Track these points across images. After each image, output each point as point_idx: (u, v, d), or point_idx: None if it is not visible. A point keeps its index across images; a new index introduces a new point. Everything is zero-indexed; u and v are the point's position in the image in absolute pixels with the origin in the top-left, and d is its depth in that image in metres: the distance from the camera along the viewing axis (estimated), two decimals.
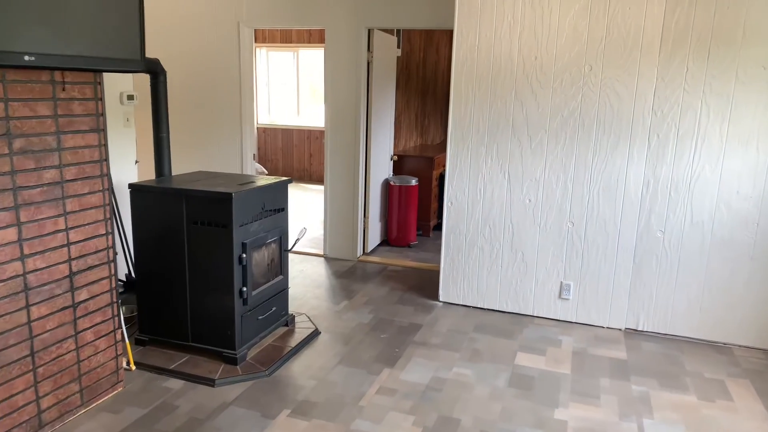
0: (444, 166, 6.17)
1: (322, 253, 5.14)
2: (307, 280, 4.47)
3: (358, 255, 5.04)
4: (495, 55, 3.65)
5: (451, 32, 7.66)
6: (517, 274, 3.84)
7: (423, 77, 6.92)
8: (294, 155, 9.28)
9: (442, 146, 6.82)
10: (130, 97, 3.69)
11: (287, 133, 9.24)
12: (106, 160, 2.56)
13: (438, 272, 4.68)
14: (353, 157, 4.85)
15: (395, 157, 5.63)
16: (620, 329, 3.67)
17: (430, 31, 7.05)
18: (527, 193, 3.72)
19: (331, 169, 4.96)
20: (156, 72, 3.14)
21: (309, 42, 8.83)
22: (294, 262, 4.90)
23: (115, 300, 2.70)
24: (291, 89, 9.22)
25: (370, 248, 5.19)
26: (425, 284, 4.44)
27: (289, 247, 3.43)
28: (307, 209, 7.10)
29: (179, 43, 5.16)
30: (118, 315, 2.74)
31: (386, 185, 5.54)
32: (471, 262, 3.93)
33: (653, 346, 3.44)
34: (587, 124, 3.52)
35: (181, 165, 5.46)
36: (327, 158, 4.96)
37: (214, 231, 2.94)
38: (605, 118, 3.48)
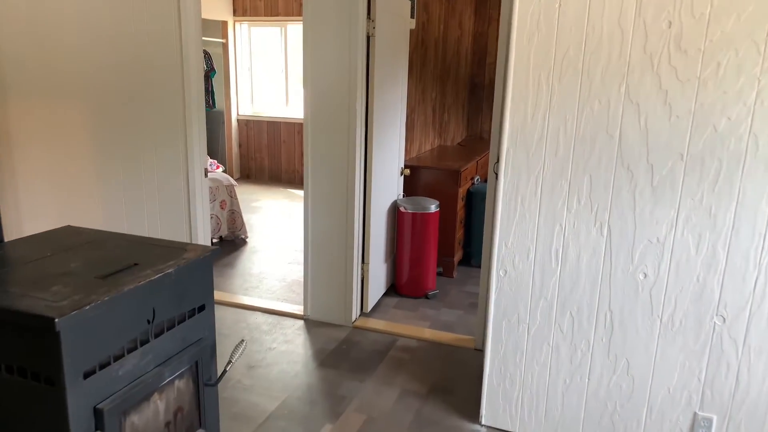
0: (473, 178, 4.57)
1: (301, 312, 3.59)
2: (271, 372, 2.92)
3: (354, 317, 3.48)
4: (591, 21, 2.05)
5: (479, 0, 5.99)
6: (617, 394, 2.28)
7: (443, 58, 5.29)
8: (282, 153, 7.69)
9: (467, 151, 5.22)
10: None
11: (274, 126, 7.65)
12: None
13: (472, 350, 3.12)
14: (346, 170, 3.28)
15: (407, 171, 4.04)
16: None
17: None
18: (641, 262, 2.15)
19: (313, 189, 3.39)
20: None
21: (300, 15, 7.18)
22: (258, 332, 3.35)
23: None
24: (278, 73, 7.59)
25: (370, 305, 3.64)
26: (455, 379, 2.88)
27: (216, 379, 1.86)
28: (292, 227, 5.54)
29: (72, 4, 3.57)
30: None
31: (394, 211, 3.97)
32: (536, 368, 2.37)
33: None
34: (765, 144, 1.92)
35: (94, 188, 3.91)
36: (307, 171, 3.38)
37: (30, 388, 1.39)
38: None
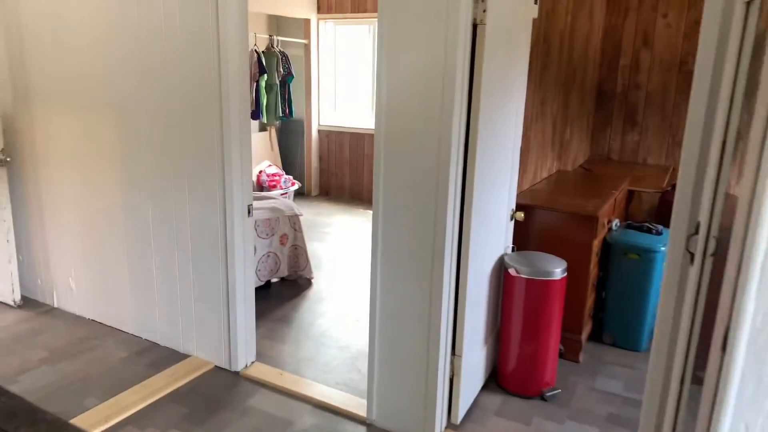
0: (609, 221, 3.30)
1: (364, 413, 2.56)
2: None
3: (439, 430, 2.40)
4: None
5: None
6: None
7: (568, 59, 4.07)
8: (365, 169, 6.76)
9: (596, 179, 3.95)
10: None
11: (357, 138, 6.74)
12: None
13: None
14: (433, 213, 2.22)
15: (520, 215, 2.88)
16: None
17: None
18: None
19: (384, 240, 2.36)
20: None
21: None
22: None
23: None
24: (364, 78, 6.67)
25: (461, 414, 2.53)
26: None
27: None
28: (368, 262, 4.57)
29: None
30: None
31: (500, 272, 2.84)
32: None
33: None
34: None
35: (119, 221, 3.14)
36: (377, 213, 2.35)
37: None
38: None
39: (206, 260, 2.88)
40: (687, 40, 4.76)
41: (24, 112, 3.40)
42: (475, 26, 2.13)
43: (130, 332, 3.30)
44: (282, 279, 4.15)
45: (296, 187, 6.28)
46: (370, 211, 6.68)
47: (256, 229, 3.69)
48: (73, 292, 3.50)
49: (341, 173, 6.93)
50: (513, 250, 2.99)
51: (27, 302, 3.67)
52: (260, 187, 6.01)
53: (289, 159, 7.07)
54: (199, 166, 2.79)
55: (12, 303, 3.59)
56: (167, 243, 3.00)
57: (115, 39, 2.90)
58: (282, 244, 3.92)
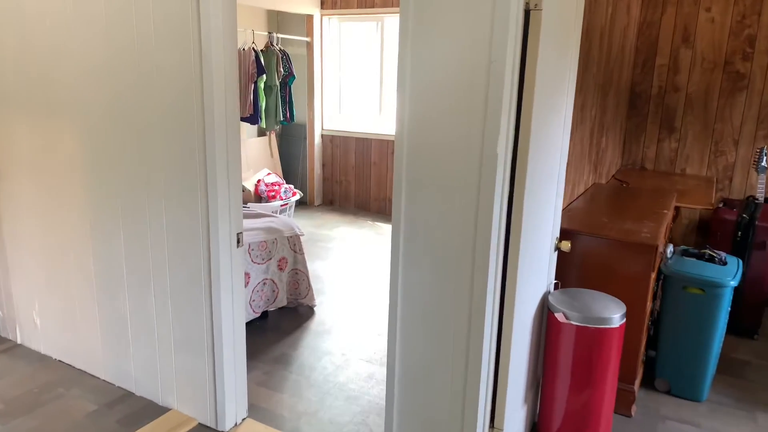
0: (660, 248, 2.76)
1: None
2: None
3: None
4: None
5: None
6: None
7: (607, 57, 3.58)
8: (371, 177, 6.27)
9: (636, 194, 3.45)
10: None
11: (363, 143, 6.25)
12: None
13: None
14: (470, 246, 1.73)
15: (566, 244, 2.38)
16: None
17: None
18: None
19: (406, 282, 1.87)
20: None
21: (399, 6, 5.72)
22: None
23: None
24: (371, 78, 6.18)
25: None
26: None
27: None
28: (377, 282, 4.06)
29: None
30: None
31: (541, 314, 2.35)
32: None
33: None
34: None
35: (87, 244, 2.67)
36: (397, 247, 1.87)
37: None
38: None
39: (187, 299, 2.39)
40: (733, 37, 4.25)
41: None
42: (527, 12, 1.64)
43: (101, 377, 2.81)
44: (280, 308, 3.66)
45: (297, 197, 5.79)
46: (378, 223, 6.22)
47: (249, 254, 3.21)
48: (38, 327, 3.02)
49: (346, 181, 6.44)
50: (557, 287, 2.49)
51: None
52: (258, 197, 5.53)
53: (290, 166, 6.58)
54: (176, 185, 2.30)
55: None
56: (142, 277, 2.51)
57: (80, 34, 2.42)
58: (280, 269, 3.43)
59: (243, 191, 5.55)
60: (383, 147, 6.11)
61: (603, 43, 3.38)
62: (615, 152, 4.48)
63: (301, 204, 6.36)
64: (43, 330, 3.01)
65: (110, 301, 2.67)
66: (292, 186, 5.82)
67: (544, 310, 2.35)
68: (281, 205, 5.54)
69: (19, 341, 3.15)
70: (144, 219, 2.43)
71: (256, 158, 5.99)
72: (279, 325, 3.46)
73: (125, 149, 2.41)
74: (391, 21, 5.93)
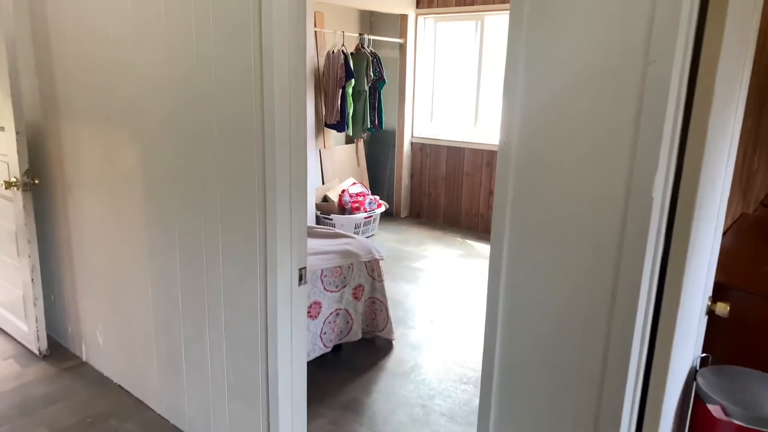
0: None
1: None
2: None
3: None
4: None
5: None
6: None
7: (764, 60, 2.85)
8: (463, 189, 5.77)
9: None
10: None
11: (456, 153, 5.76)
12: None
13: None
14: (606, 306, 1.22)
15: (724, 307, 1.77)
16: None
17: None
18: None
19: (507, 348, 1.38)
20: None
21: (503, 1, 5.19)
22: None
23: None
24: (469, 80, 5.69)
25: None
26: None
27: None
28: (466, 310, 3.58)
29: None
30: None
31: (685, 399, 1.76)
32: None
33: None
34: None
35: (145, 271, 2.44)
36: (496, 299, 1.39)
37: None
38: None
39: (241, 339, 2.06)
40: None
41: (52, 125, 2.79)
42: None
43: (157, 411, 2.57)
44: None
45: (382, 209, 5.43)
46: (469, 241, 5.64)
47: (322, 281, 2.85)
48: (101, 347, 2.86)
49: (435, 192, 5.98)
50: (705, 363, 1.88)
51: (56, 350, 3.08)
52: (342, 208, 5.22)
53: (377, 175, 6.24)
54: (233, 211, 1.98)
55: (37, 352, 3.01)
56: (197, 307, 2.23)
57: (138, 41, 2.17)
58: (356, 298, 3.05)
59: (327, 202, 5.27)
60: (477, 157, 5.59)
61: (766, 41, 2.68)
62: (764, 173, 3.67)
63: (386, 215, 6.00)
64: (105, 350, 2.84)
65: (166, 330, 2.41)
66: (377, 197, 5.47)
67: (690, 393, 1.77)
68: (365, 218, 5.20)
69: (84, 358, 3.01)
70: (200, 243, 2.14)
71: (342, 167, 5.70)
72: (353, 360, 3.09)
73: (182, 167, 2.13)
74: (492, 20, 5.40)
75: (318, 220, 5.19)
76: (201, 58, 1.95)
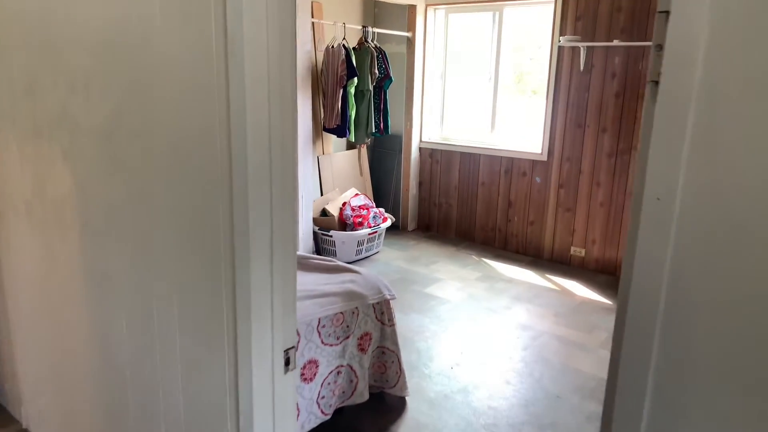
0: None
1: None
2: None
3: None
4: None
5: None
6: None
7: None
8: (478, 200, 5.18)
9: None
10: None
11: (470, 159, 5.17)
12: None
13: None
14: None
15: None
16: None
17: None
18: None
19: None
20: None
21: None
22: None
23: None
24: (484, 78, 5.09)
25: None
26: None
27: None
28: (493, 354, 3.00)
29: None
30: None
31: None
32: None
33: None
34: None
35: (84, 325, 1.84)
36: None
37: None
38: None
39: None
40: None
41: None
42: None
43: None
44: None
45: (388, 223, 4.84)
46: (485, 260, 4.98)
47: (319, 332, 2.26)
48: (43, 415, 2.27)
49: (447, 203, 5.39)
50: None
51: None
52: (343, 223, 4.63)
53: (382, 184, 5.65)
54: (188, 270, 1.39)
55: None
56: (150, 401, 1.63)
57: (67, 18, 1.57)
58: (361, 350, 2.46)
59: (327, 216, 4.68)
60: (495, 164, 5.00)
61: None
62: None
63: (391, 229, 5.40)
64: (50, 424, 2.25)
65: (113, 422, 1.82)
66: (382, 210, 4.88)
67: None
68: (369, 234, 4.61)
69: (24, 426, 2.42)
70: (150, 309, 1.54)
71: (343, 176, 5.11)
72: (357, 426, 2.50)
73: (121, 202, 1.54)
74: (513, 11, 4.80)
75: (316, 237, 4.60)
76: (145, 49, 1.36)
